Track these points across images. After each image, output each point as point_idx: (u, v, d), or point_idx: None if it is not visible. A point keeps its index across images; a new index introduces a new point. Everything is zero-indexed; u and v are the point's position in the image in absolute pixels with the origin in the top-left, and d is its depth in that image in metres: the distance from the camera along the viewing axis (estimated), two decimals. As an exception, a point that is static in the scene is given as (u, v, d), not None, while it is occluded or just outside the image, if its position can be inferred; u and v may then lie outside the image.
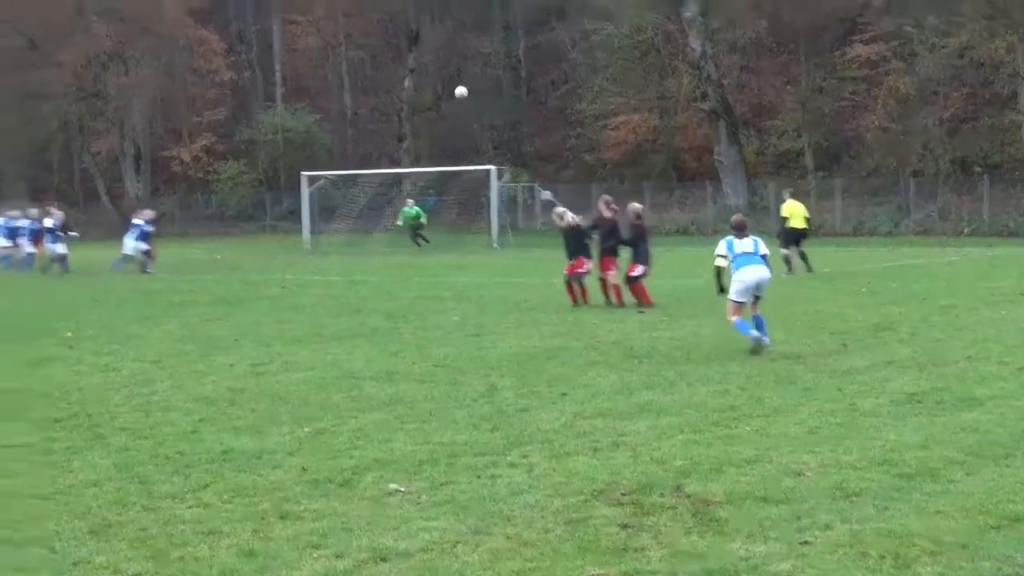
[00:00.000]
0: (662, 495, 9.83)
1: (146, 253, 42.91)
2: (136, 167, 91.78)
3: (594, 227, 27.72)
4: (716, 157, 72.44)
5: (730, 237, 19.54)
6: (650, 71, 77.85)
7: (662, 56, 76.39)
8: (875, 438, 11.79)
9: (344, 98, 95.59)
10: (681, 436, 12.12)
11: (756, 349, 18.51)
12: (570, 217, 27.84)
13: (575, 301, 26.84)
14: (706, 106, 71.60)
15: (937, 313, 23.63)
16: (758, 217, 67.62)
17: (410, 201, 60.95)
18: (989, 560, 8.00)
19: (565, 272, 27.42)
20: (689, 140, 78.70)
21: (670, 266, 39.51)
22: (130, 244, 43.38)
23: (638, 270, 27.04)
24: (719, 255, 19.52)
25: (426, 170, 74.90)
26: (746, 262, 19.11)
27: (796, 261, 35.45)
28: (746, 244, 19.31)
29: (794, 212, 36.73)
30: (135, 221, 44.14)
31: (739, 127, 73.29)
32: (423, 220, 59.13)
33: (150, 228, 44.05)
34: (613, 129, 78.78)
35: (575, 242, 27.40)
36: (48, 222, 44.38)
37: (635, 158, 78.80)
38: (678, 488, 10.02)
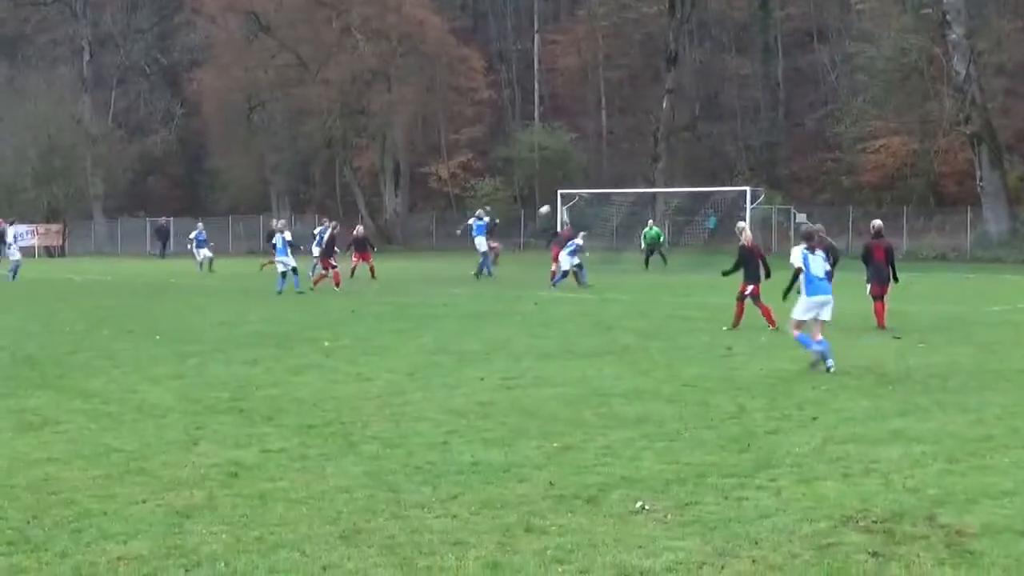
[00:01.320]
0: (914, 524, 9.59)
1: (579, 267, 43.47)
2: (395, 182, 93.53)
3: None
4: (978, 182, 70.70)
5: (804, 250, 19.86)
6: (911, 94, 76.38)
7: (924, 79, 74.90)
8: None
9: (601, 117, 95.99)
10: (935, 465, 11.82)
11: (816, 364, 19.14)
12: (748, 235, 27.19)
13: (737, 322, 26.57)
14: (969, 130, 69.92)
15: None
16: (1020, 245, 66.04)
17: (650, 221, 60.72)
18: None
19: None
20: (950, 165, 77.01)
21: (927, 293, 38.74)
22: (566, 260, 43.95)
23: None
24: (796, 265, 19.88)
25: (679, 190, 74.81)
26: (818, 289, 19.75)
27: None
28: (818, 264, 19.83)
29: None
30: (577, 241, 44.72)
31: (1003, 152, 71.40)
32: (663, 240, 59.02)
33: (582, 243, 44.77)
34: (872, 152, 77.61)
35: (744, 262, 26.77)
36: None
37: (893, 182, 77.52)
38: (931, 518, 9.77)
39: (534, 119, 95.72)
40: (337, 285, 41.58)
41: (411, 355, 21.69)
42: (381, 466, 11.89)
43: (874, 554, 8.77)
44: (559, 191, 66.48)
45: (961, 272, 53.98)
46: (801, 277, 19.89)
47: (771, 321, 25.87)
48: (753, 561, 8.62)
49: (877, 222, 28.45)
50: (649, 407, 15.60)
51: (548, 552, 8.86)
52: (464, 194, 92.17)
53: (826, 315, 19.84)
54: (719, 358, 21.08)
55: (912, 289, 40.26)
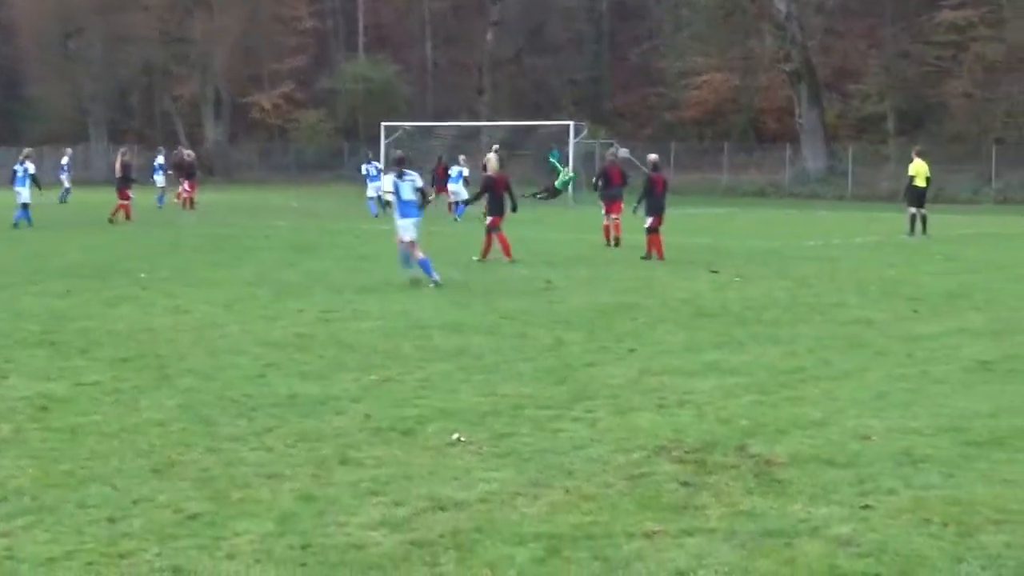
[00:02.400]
0: (725, 454, 9.76)
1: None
2: (216, 112, 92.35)
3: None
4: (797, 119, 71.93)
5: (395, 178, 22.47)
6: (734, 31, 77.29)
7: (747, 16, 75.80)
8: (944, 405, 11.66)
9: (425, 49, 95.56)
10: (747, 396, 12.04)
11: (415, 284, 21.66)
12: (493, 165, 27.64)
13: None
14: (789, 68, 71.02)
15: (1014, 281, 23.38)
16: (837, 181, 67.37)
17: (569, 167, 59.10)
18: (1055, 531, 7.87)
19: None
20: (770, 101, 78.23)
21: (745, 228, 39.37)
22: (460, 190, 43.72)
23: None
24: (388, 191, 22.67)
25: (504, 123, 74.86)
26: (408, 212, 22.27)
27: (917, 224, 35.61)
28: (408, 189, 22.33)
29: (919, 171, 36.67)
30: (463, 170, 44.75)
31: (821, 90, 72.68)
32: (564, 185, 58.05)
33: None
34: (694, 88, 78.43)
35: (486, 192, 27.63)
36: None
37: (715, 118, 78.50)
38: (742, 448, 9.95)
39: (358, 50, 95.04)
40: (128, 217, 40.61)
41: (230, 287, 21.49)
42: (196, 399, 11.78)
43: (685, 483, 8.91)
44: (383, 123, 66.18)
45: (780, 208, 54.91)
46: (395, 200, 22.35)
47: (507, 253, 26.75)
48: (567, 491, 8.70)
49: (654, 156, 29.45)
50: (468, 340, 15.66)
51: (363, 484, 8.86)
52: (287, 125, 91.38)
53: (413, 236, 22.18)
54: (539, 291, 21.20)
55: (731, 224, 40.91)
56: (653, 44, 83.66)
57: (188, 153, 54.85)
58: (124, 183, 41.33)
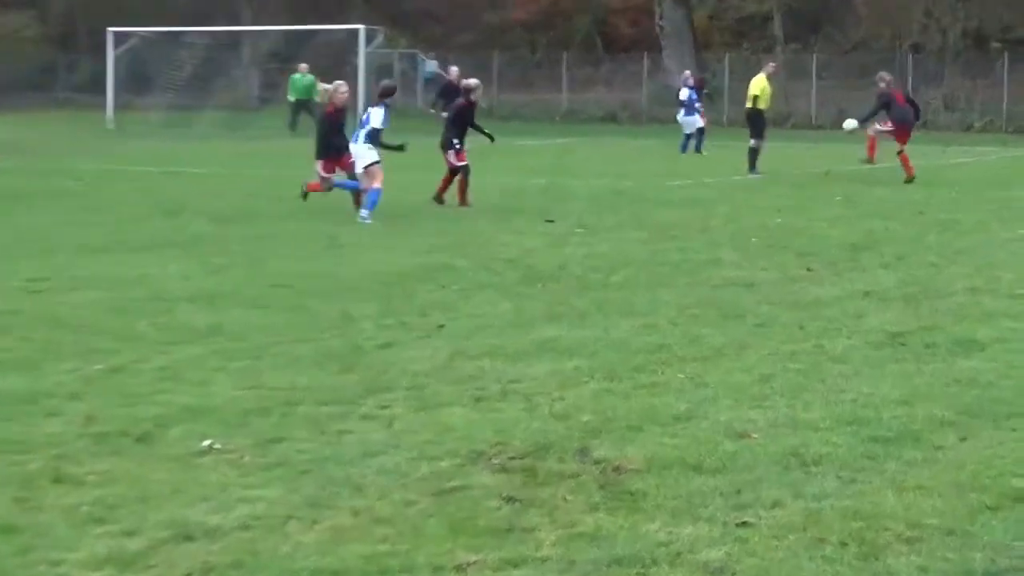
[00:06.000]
0: (562, 460, 9.82)
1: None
2: None
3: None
4: (657, 22, 72.49)
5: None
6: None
7: None
8: (844, 390, 11.87)
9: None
10: (591, 384, 12.14)
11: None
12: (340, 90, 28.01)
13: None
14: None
15: (934, 230, 23.86)
16: (709, 101, 68.01)
17: (304, 66, 59.18)
18: (981, 550, 7.99)
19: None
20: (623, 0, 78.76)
21: (588, 163, 39.63)
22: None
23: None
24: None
25: (273, 28, 74.47)
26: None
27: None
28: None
29: (766, 90, 37.09)
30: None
31: (688, -17, 73.46)
32: (316, 96, 58.14)
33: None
34: (525, -18, 78.74)
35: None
36: None
37: (551, 20, 78.79)
38: (583, 451, 10.02)
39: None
40: None
41: (-96, 250, 21.20)
42: None
43: (510, 499, 8.94)
44: (109, 30, 65.43)
45: (634, 137, 55.29)
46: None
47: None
48: (355, 513, 8.69)
49: (472, 81, 30.57)
50: (226, 315, 15.61)
51: (84, 509, 8.76)
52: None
53: None
54: (320, 250, 21.24)
55: (571, 159, 41.14)
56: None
57: None
58: None
